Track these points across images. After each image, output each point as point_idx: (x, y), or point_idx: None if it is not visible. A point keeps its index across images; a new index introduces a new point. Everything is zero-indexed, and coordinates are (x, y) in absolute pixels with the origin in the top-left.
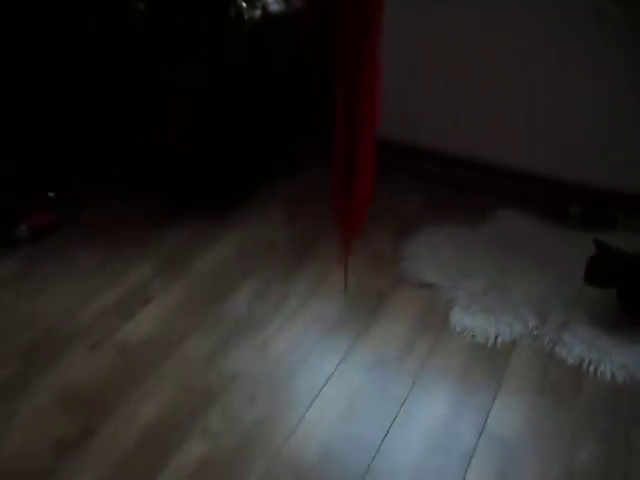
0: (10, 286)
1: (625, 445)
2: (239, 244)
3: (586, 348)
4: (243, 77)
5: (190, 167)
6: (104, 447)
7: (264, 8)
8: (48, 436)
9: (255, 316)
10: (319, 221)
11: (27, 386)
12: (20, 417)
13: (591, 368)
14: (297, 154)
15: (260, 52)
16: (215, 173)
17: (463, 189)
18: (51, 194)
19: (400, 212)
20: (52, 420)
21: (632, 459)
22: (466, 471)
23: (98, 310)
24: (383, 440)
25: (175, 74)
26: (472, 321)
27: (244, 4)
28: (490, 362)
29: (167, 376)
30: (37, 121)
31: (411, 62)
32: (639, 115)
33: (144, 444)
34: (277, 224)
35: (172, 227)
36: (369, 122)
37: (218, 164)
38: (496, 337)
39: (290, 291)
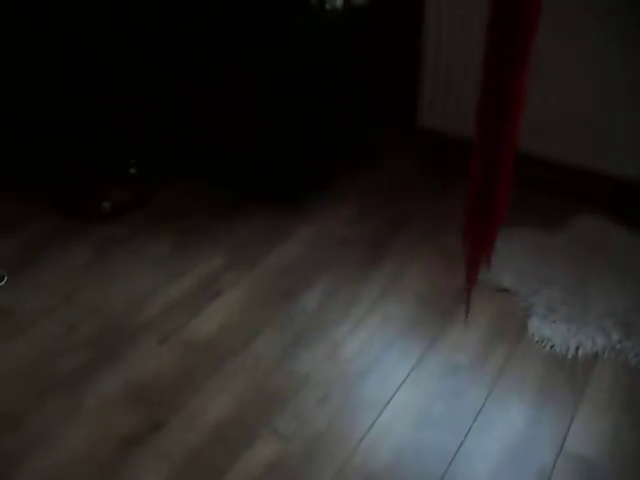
0: (81, 270)
1: None
2: (310, 239)
3: None
4: (316, 66)
5: (254, 157)
6: (170, 444)
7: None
8: (114, 429)
9: (326, 315)
10: (393, 218)
11: (94, 377)
12: (86, 409)
13: None
14: (371, 148)
15: (337, 42)
16: (282, 165)
17: (538, 191)
18: (132, 170)
19: None
20: (118, 413)
21: None
22: None
23: (167, 302)
24: (458, 449)
25: (247, 60)
26: (551, 331)
27: None
28: (570, 375)
29: (236, 374)
30: (122, 98)
31: None
32: None
33: (211, 443)
34: (350, 220)
35: (239, 219)
36: (511, 145)
37: (285, 156)
38: (577, 349)
39: (362, 291)
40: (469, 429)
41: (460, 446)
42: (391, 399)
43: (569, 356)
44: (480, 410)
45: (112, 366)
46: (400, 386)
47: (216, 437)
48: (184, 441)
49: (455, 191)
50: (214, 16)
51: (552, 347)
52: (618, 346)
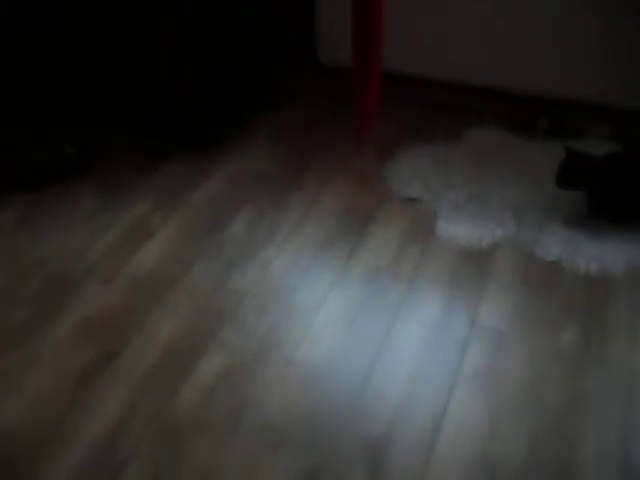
0: (12, 233)
1: (600, 325)
2: (230, 176)
3: (562, 246)
4: (214, 12)
5: (170, 107)
6: (127, 368)
7: None
8: (73, 365)
9: (253, 241)
10: (306, 149)
11: (45, 326)
12: (42, 356)
13: (567, 263)
14: (280, 85)
15: None
16: (196, 110)
17: (437, 110)
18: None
19: (380, 134)
20: (74, 352)
21: (606, 337)
22: (463, 358)
23: (105, 247)
24: (384, 340)
25: (145, 16)
26: (457, 228)
27: None
28: (476, 263)
29: (180, 300)
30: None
31: None
32: (597, 25)
33: (164, 363)
34: (265, 154)
35: (162, 166)
36: (380, 29)
37: (197, 102)
38: (480, 241)
39: (284, 216)
40: (393, 320)
41: (387, 336)
42: (322, 304)
43: (474, 248)
44: (402, 302)
45: (62, 310)
46: (328, 292)
47: (167, 357)
48: (138, 365)
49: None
50: None
51: (459, 242)
52: (515, 235)
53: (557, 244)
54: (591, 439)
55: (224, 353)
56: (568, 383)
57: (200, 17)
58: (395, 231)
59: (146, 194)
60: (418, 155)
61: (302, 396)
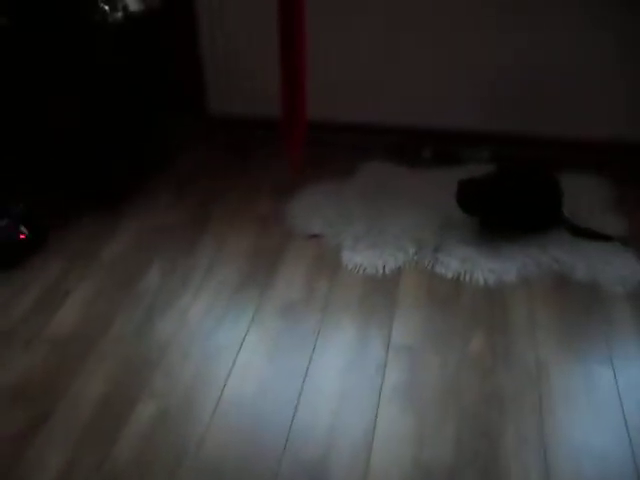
0: None
1: (503, 330)
2: (137, 230)
3: (460, 263)
4: (113, 75)
5: (73, 166)
6: (62, 427)
7: (125, 9)
8: (4, 434)
9: (169, 290)
10: (206, 198)
11: None
12: None
13: (467, 278)
14: (176, 139)
15: (126, 51)
16: (98, 169)
17: (328, 150)
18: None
19: (273, 178)
20: (4, 420)
21: (509, 339)
22: (383, 377)
23: (22, 312)
24: (308, 368)
25: (50, 80)
26: (361, 258)
27: (106, 7)
28: (383, 288)
29: (104, 355)
30: None
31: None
32: (469, 59)
33: (99, 414)
34: (167, 206)
35: (74, 225)
36: (304, 75)
37: (99, 161)
38: (384, 267)
39: (194, 263)
40: (313, 349)
41: (309, 364)
42: (242, 342)
43: (379, 274)
44: (319, 332)
45: None
46: (248, 329)
47: (101, 411)
48: (72, 422)
49: (254, 165)
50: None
51: (364, 270)
52: (415, 258)
53: (455, 261)
54: (510, 432)
55: (156, 400)
56: (482, 385)
57: (104, 71)
58: (303, 266)
59: (58, 254)
60: (315, 193)
61: (237, 432)
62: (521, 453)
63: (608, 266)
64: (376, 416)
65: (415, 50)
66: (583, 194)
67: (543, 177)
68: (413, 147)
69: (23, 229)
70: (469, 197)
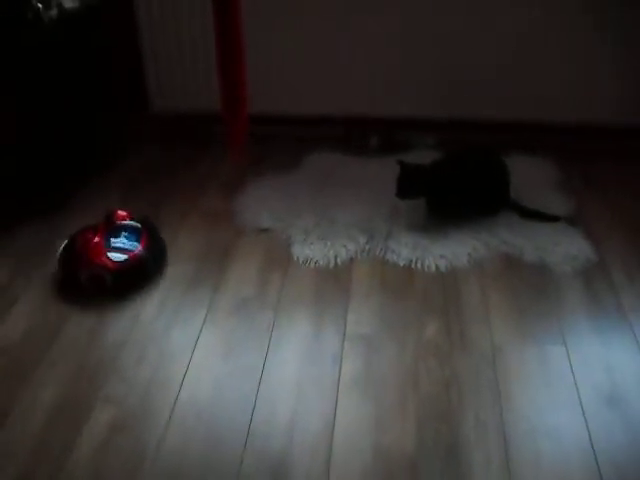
0: None
1: (457, 314)
2: None
3: (411, 250)
4: (49, 76)
5: (14, 174)
6: (14, 437)
7: (60, 6)
8: None
9: (119, 294)
10: (156, 197)
11: None
12: None
13: (419, 265)
14: (119, 139)
15: (63, 51)
16: (41, 175)
17: (273, 143)
18: None
19: (220, 173)
20: None
21: (464, 323)
22: (340, 368)
23: None
24: (264, 364)
25: None
26: (312, 251)
27: (40, 5)
28: (335, 279)
29: (57, 360)
30: None
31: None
32: (413, 45)
33: (53, 422)
34: (115, 207)
35: (21, 229)
36: (243, 67)
37: (41, 166)
38: (336, 258)
39: None
40: (268, 345)
41: (265, 360)
42: (197, 341)
43: (331, 266)
44: (273, 327)
45: None
46: (201, 329)
47: (55, 418)
48: (25, 432)
49: (201, 161)
50: None
51: (316, 263)
52: (367, 247)
53: (406, 248)
54: (469, 416)
55: (112, 405)
56: (439, 371)
57: (36, 70)
58: (254, 262)
59: (4, 260)
60: (263, 187)
61: (196, 433)
62: (480, 435)
63: (557, 246)
64: (335, 407)
65: (358, 38)
66: (529, 176)
67: (490, 160)
68: (359, 136)
69: None
70: (412, 180)
